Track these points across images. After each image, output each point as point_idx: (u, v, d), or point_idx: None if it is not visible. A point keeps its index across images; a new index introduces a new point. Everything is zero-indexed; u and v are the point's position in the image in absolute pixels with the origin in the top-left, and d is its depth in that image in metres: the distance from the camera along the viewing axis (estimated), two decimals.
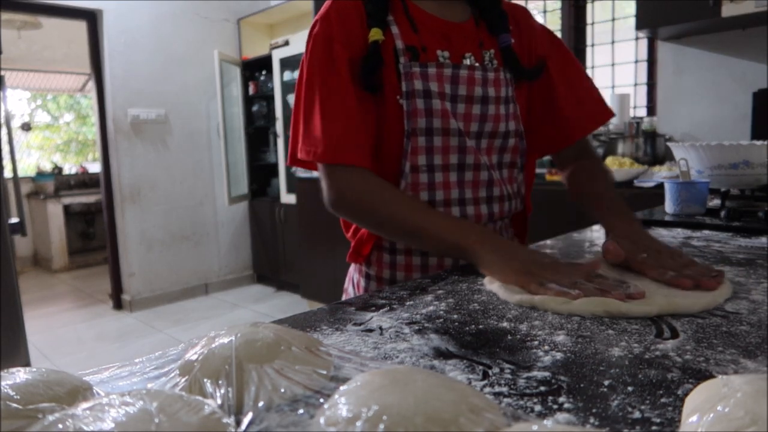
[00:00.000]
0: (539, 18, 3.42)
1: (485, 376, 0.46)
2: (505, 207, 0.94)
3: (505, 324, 0.60)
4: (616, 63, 3.10)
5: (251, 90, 4.46)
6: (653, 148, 2.66)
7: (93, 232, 6.23)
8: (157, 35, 4.07)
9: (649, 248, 0.74)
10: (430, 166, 0.86)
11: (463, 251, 0.76)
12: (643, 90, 3.03)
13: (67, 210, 5.77)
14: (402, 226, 0.81)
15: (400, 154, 0.86)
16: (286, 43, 4.19)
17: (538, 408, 0.40)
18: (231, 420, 0.35)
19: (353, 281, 1.00)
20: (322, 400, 0.37)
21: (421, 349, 0.53)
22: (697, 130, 2.72)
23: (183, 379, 0.42)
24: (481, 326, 0.59)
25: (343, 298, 1.01)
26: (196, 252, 4.39)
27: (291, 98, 4.04)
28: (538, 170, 2.75)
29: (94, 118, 4.06)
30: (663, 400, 0.41)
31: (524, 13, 0.99)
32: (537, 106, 0.97)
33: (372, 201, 0.82)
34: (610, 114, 0.98)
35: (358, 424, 0.31)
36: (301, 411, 0.37)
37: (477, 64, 0.89)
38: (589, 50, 3.18)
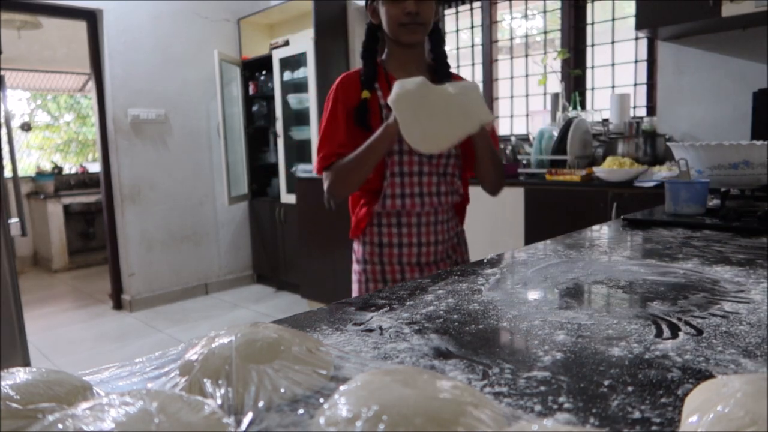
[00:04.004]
0: (539, 18, 3.43)
1: (485, 376, 0.46)
2: (449, 198, 1.37)
3: (505, 324, 0.60)
4: (616, 63, 3.10)
5: (251, 90, 4.46)
6: (653, 148, 2.66)
7: (93, 232, 6.23)
8: (157, 35, 4.07)
9: None
10: (401, 173, 1.32)
11: (385, 136, 1.21)
12: (643, 90, 3.03)
13: (67, 210, 5.77)
14: (358, 163, 1.25)
15: (384, 167, 1.32)
16: (286, 43, 4.18)
17: (538, 408, 0.40)
18: (231, 420, 0.35)
19: (354, 251, 1.41)
20: (322, 400, 0.37)
21: (421, 349, 0.53)
22: (697, 130, 2.72)
23: (183, 379, 0.42)
24: (481, 326, 0.59)
25: (353, 271, 1.41)
26: (196, 252, 4.39)
27: (291, 98, 4.04)
28: (537, 170, 2.76)
29: (94, 118, 4.06)
30: (663, 400, 0.41)
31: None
32: (469, 142, 1.31)
33: (341, 173, 1.30)
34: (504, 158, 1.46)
35: (358, 424, 0.31)
36: (301, 411, 0.37)
37: None
38: (589, 50, 3.18)
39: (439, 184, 1.34)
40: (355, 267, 1.40)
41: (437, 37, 1.36)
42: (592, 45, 3.17)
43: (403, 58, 1.33)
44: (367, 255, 1.35)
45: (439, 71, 1.35)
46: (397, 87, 1.13)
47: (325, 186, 1.31)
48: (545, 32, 3.40)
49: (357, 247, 1.39)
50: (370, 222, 1.34)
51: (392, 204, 1.31)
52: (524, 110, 3.51)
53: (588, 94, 3.22)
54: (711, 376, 0.44)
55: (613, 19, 3.07)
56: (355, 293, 1.39)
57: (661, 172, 2.39)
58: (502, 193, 1.42)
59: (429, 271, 1.34)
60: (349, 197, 1.39)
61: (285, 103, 4.05)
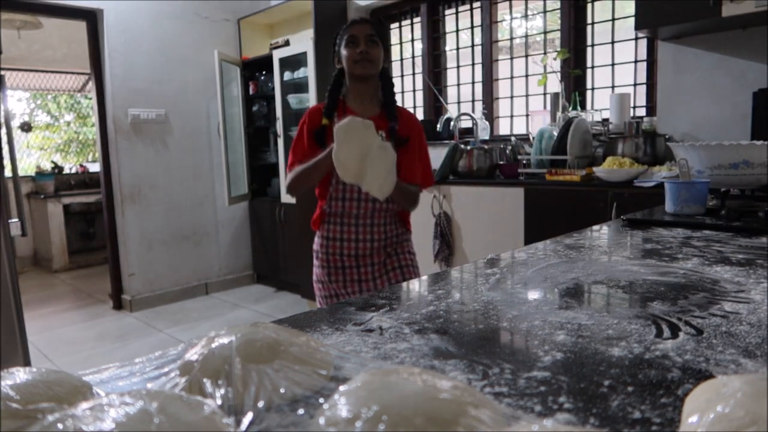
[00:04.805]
0: (539, 18, 3.43)
1: (485, 376, 0.46)
2: (385, 204, 1.67)
3: (505, 324, 0.60)
4: (616, 63, 3.10)
5: (251, 90, 4.46)
6: (653, 148, 2.66)
7: (93, 232, 6.23)
8: (157, 35, 4.07)
9: None
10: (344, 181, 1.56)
11: (328, 156, 1.48)
12: (643, 90, 3.03)
13: (67, 210, 5.77)
14: (306, 173, 1.61)
15: (332, 176, 1.62)
16: (287, 43, 4.18)
17: (538, 408, 0.40)
18: (231, 420, 0.35)
19: (314, 242, 1.75)
20: (322, 400, 0.37)
21: (421, 349, 0.53)
22: (697, 130, 2.72)
23: (183, 379, 0.42)
24: (481, 326, 0.59)
25: (314, 260, 1.74)
26: (196, 252, 4.39)
27: (291, 98, 4.04)
28: (537, 170, 2.76)
29: (94, 118, 4.06)
30: (663, 400, 0.41)
31: (411, 117, 1.79)
32: (405, 162, 1.66)
33: (295, 178, 1.66)
34: (432, 181, 1.82)
35: (358, 424, 0.31)
36: (301, 411, 0.37)
37: None
38: (588, 50, 3.18)
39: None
40: (314, 254, 1.77)
41: (386, 79, 1.72)
42: (592, 45, 3.16)
43: (359, 92, 1.68)
44: (319, 246, 1.73)
45: (387, 104, 1.71)
46: (346, 119, 1.40)
47: (286, 184, 1.70)
48: (545, 32, 3.39)
49: (315, 239, 1.77)
50: (323, 220, 1.72)
51: (336, 205, 1.68)
52: (524, 110, 3.51)
53: (588, 94, 3.22)
54: (711, 376, 0.44)
55: (613, 19, 3.07)
56: (314, 274, 1.77)
57: (661, 172, 2.39)
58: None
59: (364, 262, 1.68)
60: (315, 199, 1.75)
61: (285, 103, 4.05)
